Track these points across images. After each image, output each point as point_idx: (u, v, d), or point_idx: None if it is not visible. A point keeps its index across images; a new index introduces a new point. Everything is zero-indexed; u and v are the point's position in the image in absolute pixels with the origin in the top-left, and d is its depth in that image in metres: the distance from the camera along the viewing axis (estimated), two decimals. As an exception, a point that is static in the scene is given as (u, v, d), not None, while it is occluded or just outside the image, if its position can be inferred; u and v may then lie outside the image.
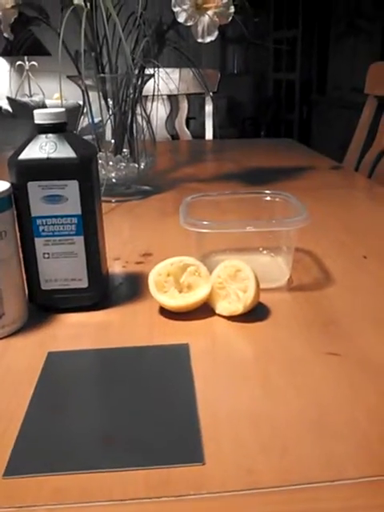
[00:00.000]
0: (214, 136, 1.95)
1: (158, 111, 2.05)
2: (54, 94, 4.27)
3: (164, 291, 0.50)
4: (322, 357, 0.43)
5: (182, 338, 0.47)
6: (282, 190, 1.00)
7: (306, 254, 0.65)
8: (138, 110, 0.95)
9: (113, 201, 0.94)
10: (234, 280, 0.50)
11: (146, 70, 0.94)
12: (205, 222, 0.51)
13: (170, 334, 0.48)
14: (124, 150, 0.95)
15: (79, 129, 0.94)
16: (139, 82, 0.91)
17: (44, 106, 3.93)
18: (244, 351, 0.45)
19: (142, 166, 0.96)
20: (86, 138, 0.91)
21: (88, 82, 0.89)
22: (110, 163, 0.92)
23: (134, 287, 0.57)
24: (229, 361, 0.43)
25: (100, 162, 0.91)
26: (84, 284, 0.50)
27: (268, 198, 0.62)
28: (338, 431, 0.35)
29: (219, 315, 0.50)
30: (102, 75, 0.88)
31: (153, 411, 0.37)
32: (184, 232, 0.54)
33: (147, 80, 0.92)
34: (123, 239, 0.74)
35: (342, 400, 0.38)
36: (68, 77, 0.89)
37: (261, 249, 0.62)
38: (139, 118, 0.96)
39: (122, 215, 0.86)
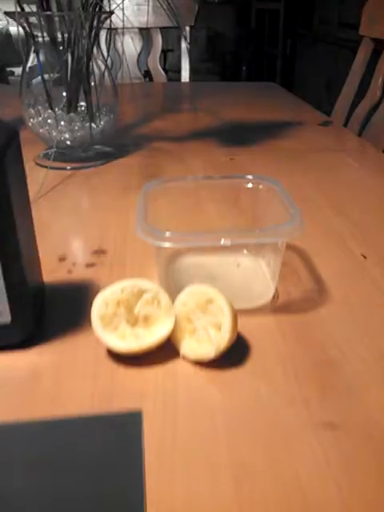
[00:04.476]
0: (192, 73, 1.76)
1: (129, 47, 1.84)
2: None
3: (113, 327, 0.38)
4: (314, 428, 0.33)
5: (133, 394, 0.36)
6: (266, 150, 0.87)
7: (293, 251, 0.54)
8: (97, 54, 0.79)
9: (67, 168, 0.79)
10: (205, 312, 0.38)
11: (110, 1, 0.77)
12: (167, 234, 0.38)
13: (118, 387, 0.36)
14: (81, 103, 0.80)
15: (24, 78, 0.77)
16: (96, 22, 0.74)
17: None
18: (213, 418, 0.34)
19: (101, 125, 0.81)
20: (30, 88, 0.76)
21: (33, 21, 0.72)
22: (62, 123, 0.77)
23: (79, 307, 0.44)
24: (193, 434, 0.33)
25: (49, 121, 0.76)
26: (5, 318, 0.38)
27: (250, 185, 0.49)
28: None
29: (184, 358, 0.38)
30: (47, 13, 0.71)
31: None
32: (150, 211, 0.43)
33: (106, 18, 0.75)
34: (73, 226, 0.61)
35: (336, 497, 0.28)
36: (6, 13, 0.72)
37: (244, 250, 0.51)
38: (98, 65, 0.79)
39: (75, 188, 0.73)
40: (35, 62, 0.74)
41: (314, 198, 0.69)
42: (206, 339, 0.37)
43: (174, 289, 0.46)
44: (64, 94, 0.76)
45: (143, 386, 0.36)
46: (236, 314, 0.38)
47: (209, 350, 0.37)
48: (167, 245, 0.38)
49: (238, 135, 0.99)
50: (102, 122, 0.80)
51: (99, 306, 0.38)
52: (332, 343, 0.41)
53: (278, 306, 0.45)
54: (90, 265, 0.52)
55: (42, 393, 0.36)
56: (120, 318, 0.38)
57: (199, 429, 0.33)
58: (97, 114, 0.80)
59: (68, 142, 0.79)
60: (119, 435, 0.33)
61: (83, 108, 0.79)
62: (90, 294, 0.46)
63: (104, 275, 0.50)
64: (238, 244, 0.49)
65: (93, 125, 0.78)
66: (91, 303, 0.38)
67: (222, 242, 0.38)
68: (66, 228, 0.60)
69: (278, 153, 0.89)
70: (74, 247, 0.55)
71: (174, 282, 0.48)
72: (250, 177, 0.49)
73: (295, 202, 0.45)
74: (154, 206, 0.47)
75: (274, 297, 0.45)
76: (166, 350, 0.39)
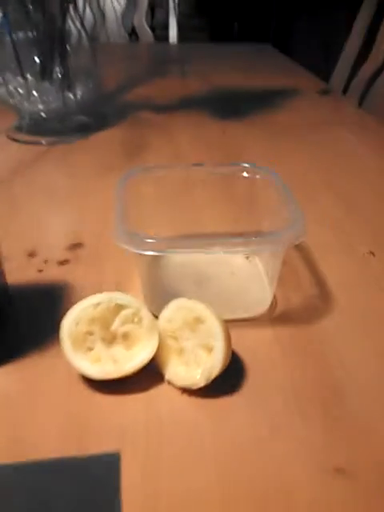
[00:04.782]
0: (180, 31, 1.66)
1: (112, 5, 1.72)
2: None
3: (87, 348, 0.32)
4: (317, 469, 0.28)
5: (111, 428, 0.31)
6: (260, 123, 0.81)
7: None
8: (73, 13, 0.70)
9: (42, 142, 0.72)
10: (194, 331, 0.33)
11: None
12: (149, 240, 0.33)
13: (93, 419, 0.31)
14: (57, 67, 0.72)
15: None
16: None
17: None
18: (203, 456, 0.29)
19: (79, 94, 0.73)
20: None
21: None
22: (35, 93, 0.69)
23: (50, 315, 0.39)
24: (180, 474, 0.28)
25: (20, 91, 0.68)
26: None
27: (245, 175, 0.43)
28: None
29: (170, 383, 0.33)
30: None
31: None
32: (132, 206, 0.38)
33: (82, -28, 0.67)
34: (46, 214, 0.55)
35: None
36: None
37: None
38: (75, 25, 0.71)
39: (49, 168, 0.66)
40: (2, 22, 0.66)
41: (312, 180, 0.63)
42: (194, 362, 0.32)
43: (158, 292, 0.41)
44: (36, 58, 0.68)
45: (122, 416, 0.31)
46: (229, 336, 0.32)
47: (198, 379, 0.32)
48: (150, 253, 0.32)
49: (230, 105, 0.91)
50: (79, 91, 0.72)
51: (69, 325, 0.32)
52: (337, 361, 0.36)
53: (277, 315, 0.40)
54: (63, 262, 0.46)
55: (2, 426, 0.31)
56: (95, 336, 0.33)
57: (187, 468, 0.28)
58: (74, 81, 0.72)
59: (42, 114, 0.72)
60: (93, 482, 0.28)
61: (59, 75, 0.71)
62: (63, 298, 0.41)
63: (79, 274, 0.44)
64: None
65: (70, 94, 0.71)
66: (66, 310, 0.33)
67: (215, 249, 0.33)
68: (38, 216, 0.54)
69: (273, 126, 0.82)
70: (47, 240, 0.49)
71: (158, 284, 0.42)
72: (246, 165, 0.43)
73: (292, 186, 0.40)
74: (136, 198, 0.41)
75: (271, 304, 0.40)
76: (149, 373, 0.33)
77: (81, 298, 0.33)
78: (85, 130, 0.76)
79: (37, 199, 0.57)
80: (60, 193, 0.59)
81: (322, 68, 1.25)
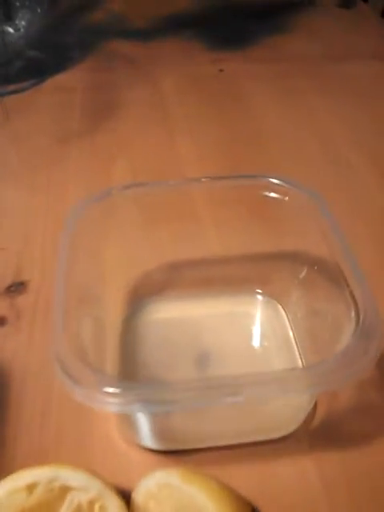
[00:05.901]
0: None
1: None
2: None
3: None
4: None
5: None
6: (267, 55, 0.65)
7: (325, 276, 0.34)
8: None
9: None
10: (195, 526, 0.19)
11: None
12: (111, 390, 0.18)
13: None
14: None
15: None
16: None
17: None
18: None
19: (22, 25, 0.54)
20: None
21: None
22: None
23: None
24: None
25: None
26: None
27: (268, 194, 0.28)
28: None
29: None
30: None
31: None
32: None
33: None
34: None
35: None
36: None
37: (257, 290, 0.31)
38: None
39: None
40: None
41: (343, 148, 0.47)
42: None
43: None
44: None
45: None
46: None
47: None
48: (113, 410, 0.18)
49: (227, 27, 0.71)
50: (23, 21, 0.53)
51: (-16, 527, 0.19)
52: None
53: (318, 426, 0.26)
54: (-5, 322, 0.31)
55: None
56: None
57: None
58: (15, 5, 0.52)
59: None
60: None
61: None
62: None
63: (21, 346, 0.30)
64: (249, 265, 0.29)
65: (9, 28, 0.51)
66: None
67: (232, 399, 0.18)
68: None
69: (283, 59, 0.63)
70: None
71: (136, 365, 0.28)
72: (272, 179, 0.27)
73: (317, 156, 0.26)
74: (98, 241, 0.26)
75: (309, 415, 0.26)
76: None
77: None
78: (36, 73, 0.57)
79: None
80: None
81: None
